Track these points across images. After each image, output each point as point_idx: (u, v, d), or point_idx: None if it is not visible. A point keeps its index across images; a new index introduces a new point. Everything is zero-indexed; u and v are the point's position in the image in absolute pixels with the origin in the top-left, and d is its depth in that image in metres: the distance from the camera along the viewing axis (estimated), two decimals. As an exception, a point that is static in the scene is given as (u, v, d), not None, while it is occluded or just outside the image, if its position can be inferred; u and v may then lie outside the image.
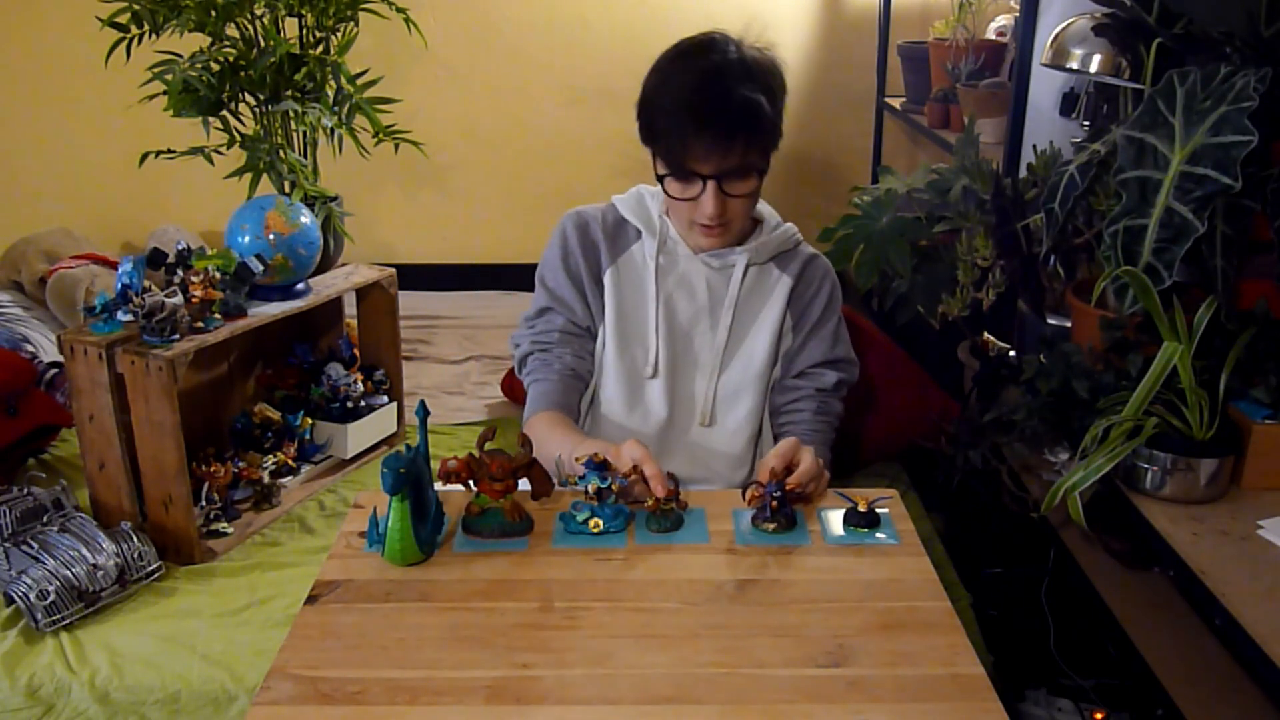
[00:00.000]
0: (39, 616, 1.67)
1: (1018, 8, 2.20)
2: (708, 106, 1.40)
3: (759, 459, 1.60)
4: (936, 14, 3.03)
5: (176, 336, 1.79)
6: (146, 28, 2.36)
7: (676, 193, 1.48)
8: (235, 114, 2.43)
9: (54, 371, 2.37)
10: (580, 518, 1.25)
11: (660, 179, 1.49)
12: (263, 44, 2.39)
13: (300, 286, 2.08)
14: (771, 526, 1.24)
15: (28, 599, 1.67)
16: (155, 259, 1.90)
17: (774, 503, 1.24)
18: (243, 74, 2.37)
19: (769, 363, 1.60)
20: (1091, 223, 1.64)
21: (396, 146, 2.59)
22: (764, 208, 1.65)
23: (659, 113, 1.45)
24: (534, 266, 1.66)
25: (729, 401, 1.59)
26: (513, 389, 2.53)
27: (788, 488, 1.26)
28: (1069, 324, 1.70)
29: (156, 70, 2.31)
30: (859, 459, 2.13)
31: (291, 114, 2.41)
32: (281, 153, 2.36)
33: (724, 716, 0.96)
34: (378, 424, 2.29)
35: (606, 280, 1.58)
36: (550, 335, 1.59)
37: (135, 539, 1.79)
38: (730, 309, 1.58)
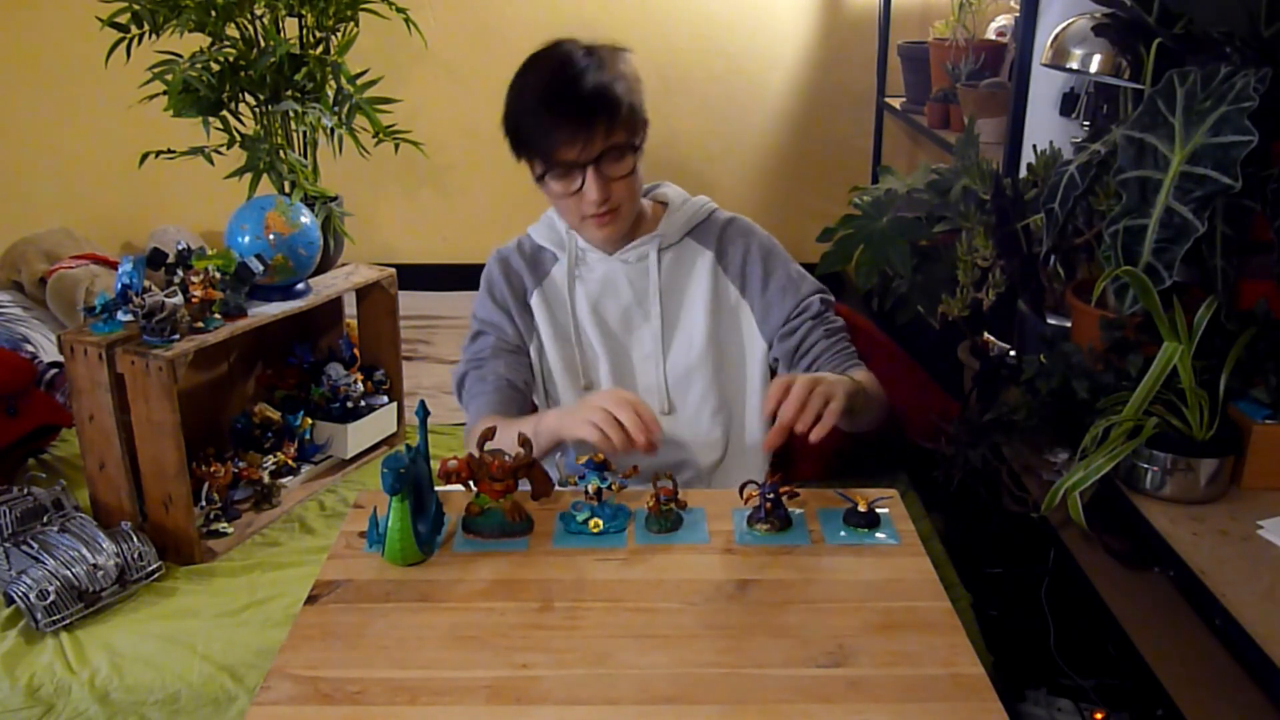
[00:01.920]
0: (39, 616, 1.67)
1: (1018, 8, 2.20)
2: (562, 96, 1.43)
3: (731, 438, 1.62)
4: (936, 14, 3.03)
5: (176, 336, 1.79)
6: (146, 28, 2.36)
7: (560, 190, 1.49)
8: (235, 114, 2.43)
9: (54, 371, 2.37)
10: (580, 518, 1.25)
11: (540, 181, 1.51)
12: (263, 44, 2.39)
13: (300, 286, 2.08)
14: (765, 528, 1.24)
15: (28, 599, 1.67)
16: (155, 259, 1.90)
17: (768, 504, 1.24)
18: (243, 74, 2.37)
19: (711, 338, 1.60)
20: (1091, 223, 1.64)
21: (396, 146, 2.59)
22: (670, 191, 1.66)
23: (520, 116, 1.48)
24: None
25: (681, 385, 1.60)
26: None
27: (789, 426, 1.25)
28: (1069, 324, 1.70)
29: (156, 70, 2.31)
30: (858, 459, 2.13)
31: (291, 114, 2.41)
32: (281, 153, 2.36)
33: (724, 716, 0.96)
34: (378, 424, 2.29)
35: (534, 304, 1.62)
36: (483, 353, 1.61)
37: (135, 539, 1.79)
38: (655, 297, 1.59)
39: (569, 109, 1.43)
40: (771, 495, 1.25)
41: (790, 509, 1.27)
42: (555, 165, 1.46)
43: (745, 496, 1.28)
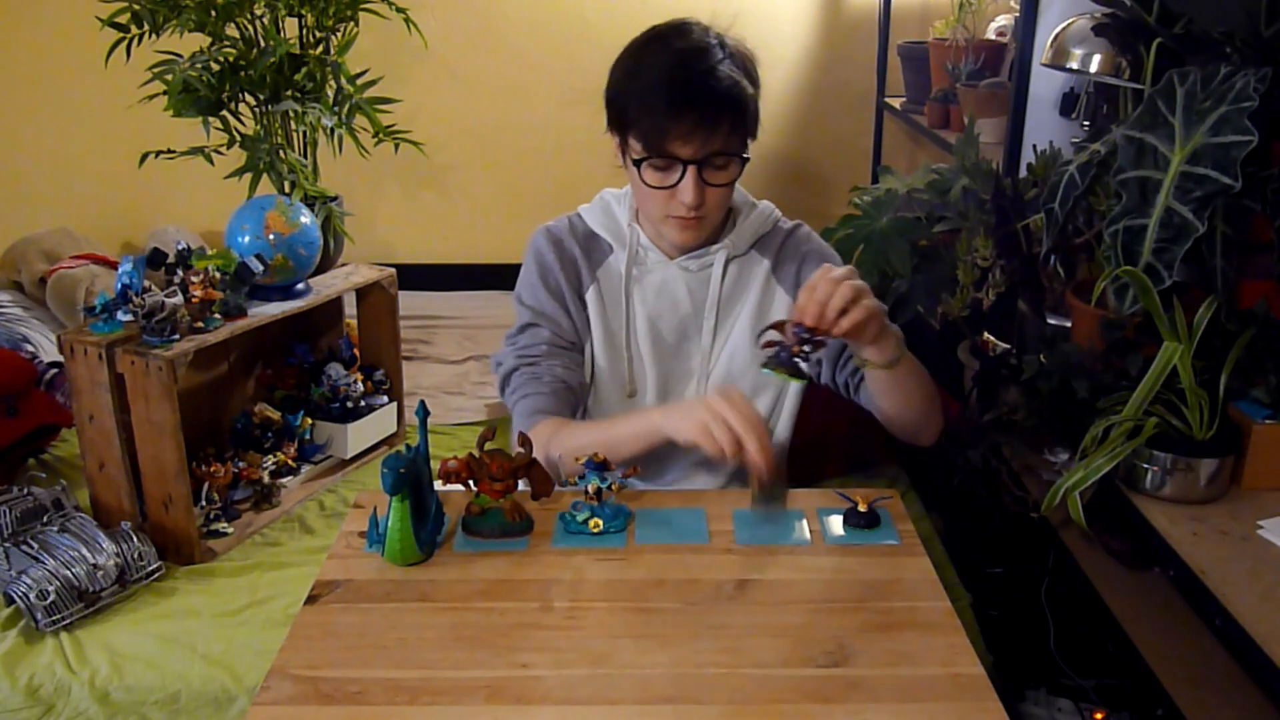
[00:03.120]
0: (39, 616, 1.67)
1: (1018, 8, 2.19)
2: (692, 85, 1.33)
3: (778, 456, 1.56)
4: (936, 14, 3.03)
5: (176, 336, 1.79)
6: (146, 28, 2.36)
7: (654, 180, 1.38)
8: (235, 114, 2.43)
9: (54, 371, 2.37)
10: (580, 518, 1.25)
11: (637, 164, 1.39)
12: (263, 44, 2.39)
13: (300, 286, 2.08)
14: (785, 372, 1.17)
15: (28, 599, 1.67)
16: (155, 259, 1.90)
17: (800, 346, 1.17)
18: (243, 74, 2.37)
19: (754, 353, 1.50)
20: (1091, 223, 1.64)
21: (396, 146, 2.59)
22: (736, 195, 1.56)
23: (634, 95, 1.36)
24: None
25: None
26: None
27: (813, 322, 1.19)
28: (1069, 324, 1.70)
29: (156, 70, 2.31)
30: (859, 459, 2.13)
31: (291, 114, 2.41)
32: (281, 153, 2.36)
33: (724, 716, 0.96)
34: (378, 424, 2.29)
35: (589, 299, 1.51)
36: (537, 349, 1.49)
37: (135, 539, 1.79)
38: (713, 311, 1.51)
39: (698, 101, 1.32)
40: (807, 335, 1.16)
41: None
42: (661, 155, 1.35)
43: (763, 343, 1.21)
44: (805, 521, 1.26)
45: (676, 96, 1.33)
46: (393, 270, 2.28)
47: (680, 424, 1.27)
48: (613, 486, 1.25)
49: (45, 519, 1.83)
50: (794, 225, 1.60)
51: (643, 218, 1.51)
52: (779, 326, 1.25)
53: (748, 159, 1.41)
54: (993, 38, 2.68)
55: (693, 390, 1.53)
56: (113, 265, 2.85)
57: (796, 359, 1.21)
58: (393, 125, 2.56)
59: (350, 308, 2.38)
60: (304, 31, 2.49)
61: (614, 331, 1.52)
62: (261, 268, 1.93)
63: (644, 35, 1.41)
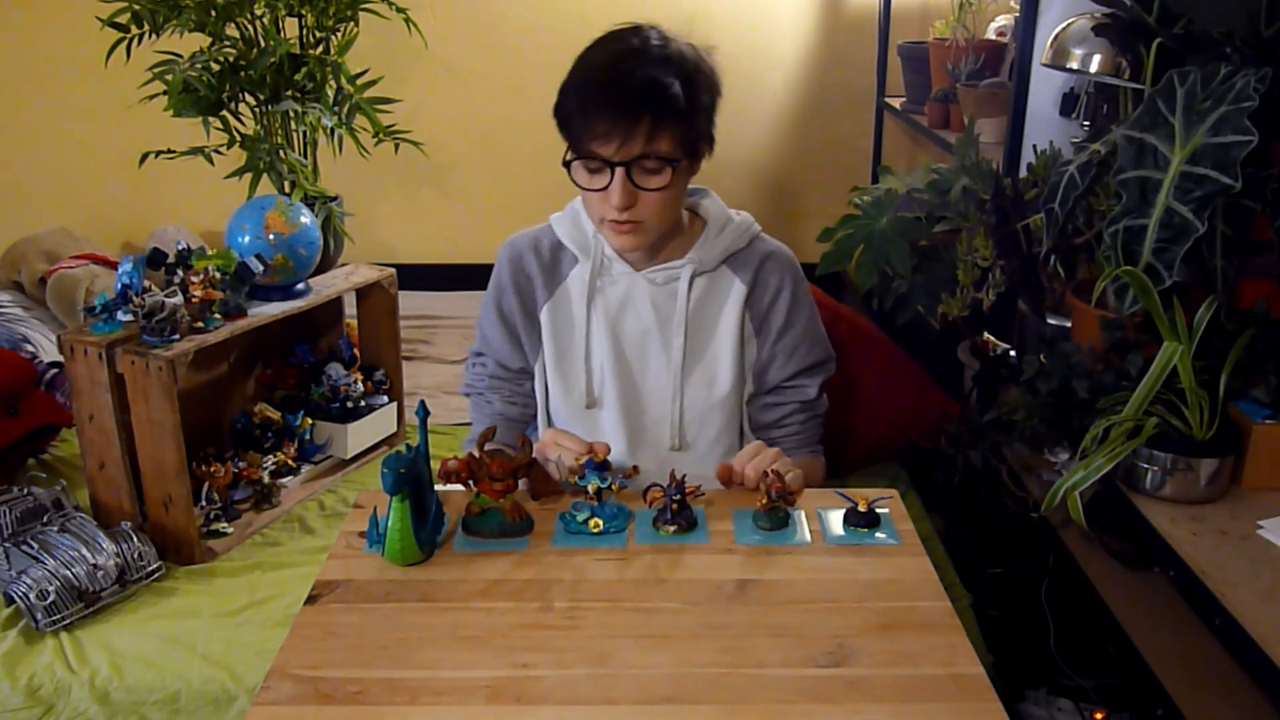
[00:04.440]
0: (39, 616, 1.67)
1: (1018, 8, 2.20)
2: (611, 84, 1.32)
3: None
4: (936, 14, 3.03)
5: (176, 336, 1.79)
6: (146, 28, 2.37)
7: (584, 182, 1.38)
8: (235, 114, 2.43)
9: (54, 371, 2.37)
10: (580, 518, 1.25)
11: (566, 166, 1.39)
12: (263, 44, 2.39)
13: (300, 286, 2.08)
14: (672, 529, 1.24)
15: (28, 599, 1.67)
16: (155, 259, 1.90)
17: (674, 505, 1.24)
18: (243, 74, 2.37)
19: (736, 380, 1.51)
20: (1091, 223, 1.64)
21: (396, 146, 2.59)
22: (712, 206, 1.54)
23: (564, 95, 1.37)
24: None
25: (697, 425, 1.51)
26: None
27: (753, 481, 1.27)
28: (1069, 324, 1.70)
29: (156, 70, 2.32)
30: (859, 459, 2.13)
31: (291, 114, 2.41)
32: (281, 153, 2.36)
33: (724, 716, 0.96)
34: (378, 424, 2.29)
35: (543, 318, 1.51)
36: (482, 380, 1.58)
37: (135, 539, 1.79)
38: (681, 328, 1.48)
39: (613, 100, 1.31)
40: (677, 496, 1.24)
41: (695, 507, 1.27)
42: (585, 155, 1.35)
43: (650, 499, 1.27)
44: (805, 521, 1.26)
45: (594, 95, 1.32)
46: (393, 270, 2.28)
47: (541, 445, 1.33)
48: (613, 486, 1.25)
49: (45, 519, 1.84)
50: (773, 249, 1.55)
51: (594, 226, 1.50)
52: (653, 497, 1.28)
53: (685, 165, 1.38)
54: (993, 38, 2.68)
55: (666, 409, 1.50)
56: (113, 265, 2.85)
57: (679, 517, 1.25)
58: (393, 125, 2.56)
59: (350, 308, 2.38)
60: (304, 31, 2.49)
61: (570, 344, 1.51)
62: (261, 268, 1.93)
63: (595, 39, 1.41)
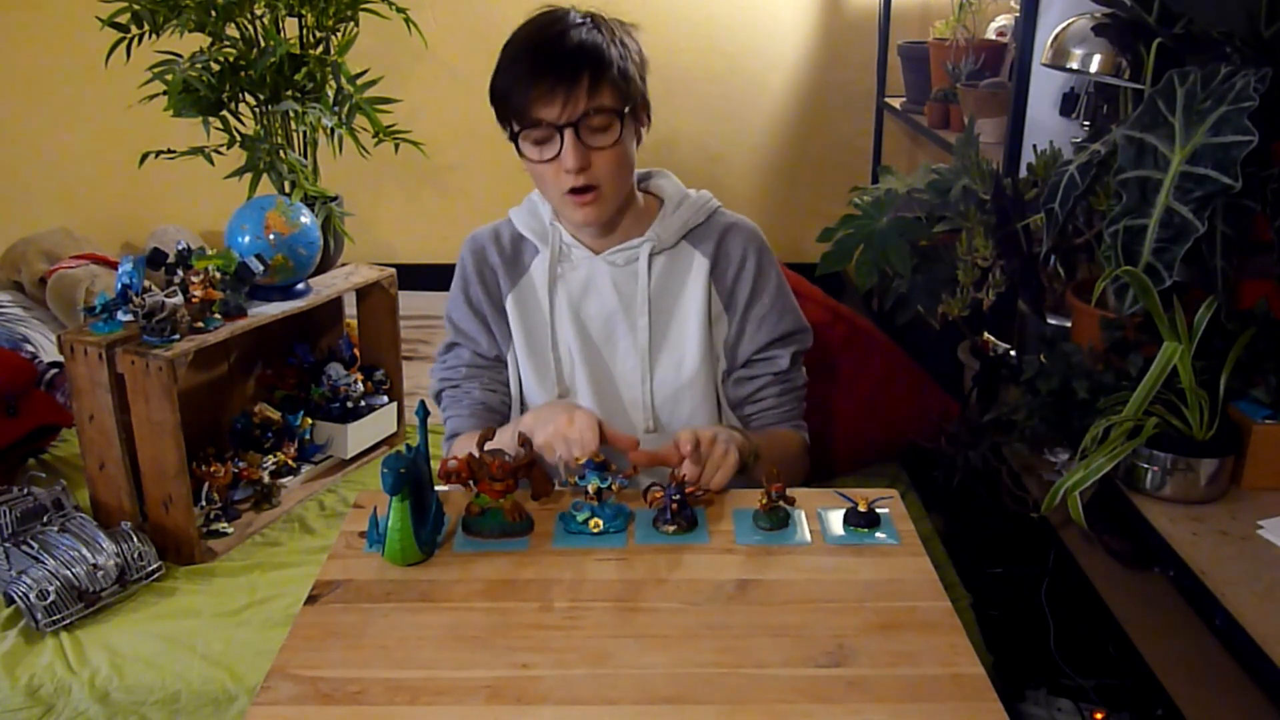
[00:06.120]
0: (39, 616, 1.67)
1: (1018, 8, 2.20)
2: (545, 48, 1.35)
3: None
4: (936, 14, 3.03)
5: (176, 336, 1.79)
6: (146, 28, 2.37)
7: (535, 155, 1.37)
8: (235, 114, 2.44)
9: (54, 371, 2.37)
10: (580, 518, 1.25)
11: (515, 141, 1.39)
12: (263, 44, 2.39)
13: (300, 286, 2.08)
14: (672, 529, 1.24)
15: (28, 599, 1.67)
16: (155, 259, 1.90)
17: (674, 505, 1.24)
18: (243, 74, 2.38)
19: (705, 356, 1.50)
20: (1091, 223, 1.64)
21: (396, 146, 2.59)
22: (666, 184, 1.54)
23: (501, 72, 1.38)
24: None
25: (669, 405, 1.51)
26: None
27: (691, 482, 1.27)
28: (1069, 324, 1.70)
29: (156, 70, 2.32)
30: (859, 459, 2.13)
31: (291, 114, 2.41)
32: (281, 153, 2.36)
33: (724, 716, 0.96)
34: (378, 424, 2.29)
35: (509, 307, 1.52)
36: (458, 370, 1.55)
37: (135, 539, 1.79)
38: (644, 308, 1.48)
39: (551, 61, 1.33)
40: (677, 496, 1.24)
41: (695, 507, 1.27)
42: (531, 124, 1.34)
43: (650, 499, 1.27)
44: (805, 521, 1.26)
45: (530, 64, 1.34)
46: (393, 270, 2.28)
47: (539, 431, 1.32)
48: (613, 486, 1.25)
49: (45, 519, 1.84)
50: (733, 221, 1.54)
51: (554, 207, 1.49)
52: (654, 497, 1.28)
53: (629, 115, 1.38)
54: (993, 38, 2.69)
55: (637, 391, 1.51)
56: (113, 265, 2.85)
57: (679, 516, 1.25)
58: (393, 125, 2.56)
59: (350, 308, 2.38)
60: (304, 31, 2.49)
61: (537, 333, 1.51)
62: (261, 268, 1.93)
63: (516, 28, 1.43)
